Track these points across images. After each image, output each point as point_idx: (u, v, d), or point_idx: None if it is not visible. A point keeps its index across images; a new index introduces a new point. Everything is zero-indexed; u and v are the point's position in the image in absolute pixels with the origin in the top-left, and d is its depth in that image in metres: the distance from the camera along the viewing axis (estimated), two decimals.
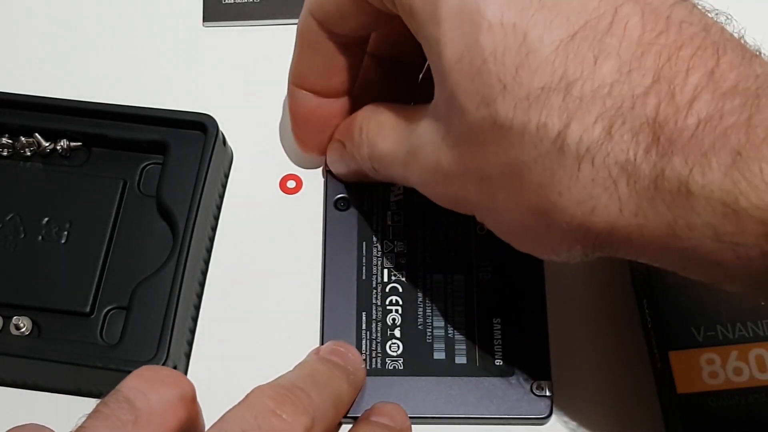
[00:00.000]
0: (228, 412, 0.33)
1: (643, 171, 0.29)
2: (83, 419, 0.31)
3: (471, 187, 0.34)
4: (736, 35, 0.31)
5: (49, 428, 0.32)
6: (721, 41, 0.30)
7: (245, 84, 0.47)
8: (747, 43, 0.31)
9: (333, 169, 0.43)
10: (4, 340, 0.39)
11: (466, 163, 0.34)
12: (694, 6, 0.31)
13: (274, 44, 0.48)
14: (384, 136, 0.38)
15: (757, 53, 0.30)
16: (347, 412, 0.38)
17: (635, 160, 0.29)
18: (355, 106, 0.41)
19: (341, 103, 0.41)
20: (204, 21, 0.48)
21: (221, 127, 0.43)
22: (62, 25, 0.48)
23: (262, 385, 0.35)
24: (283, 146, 0.45)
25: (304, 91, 0.41)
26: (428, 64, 0.35)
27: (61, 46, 0.48)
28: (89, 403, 0.39)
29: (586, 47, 0.30)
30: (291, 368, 0.38)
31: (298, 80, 0.41)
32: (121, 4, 0.49)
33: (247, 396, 0.34)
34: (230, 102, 0.46)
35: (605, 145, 0.30)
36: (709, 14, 0.31)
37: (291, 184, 0.44)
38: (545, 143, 0.31)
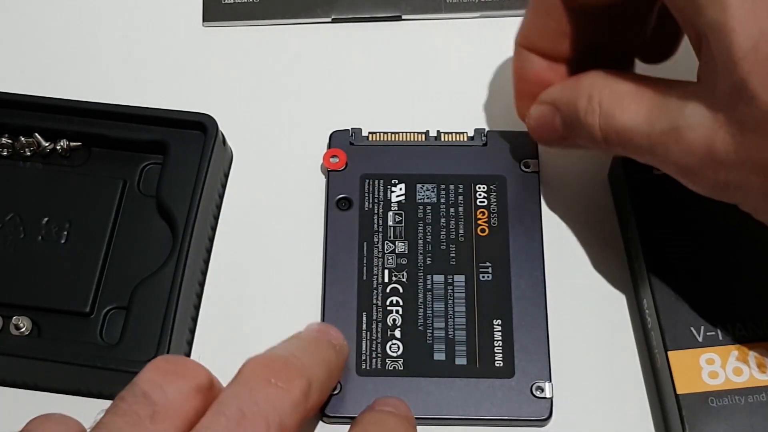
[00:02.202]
0: (223, 392, 0.33)
1: None
2: (101, 415, 0.31)
3: (751, 177, 0.33)
4: None
5: (75, 420, 0.32)
6: None
7: (245, 84, 0.47)
8: None
9: (534, 133, 0.41)
10: (4, 340, 0.39)
11: (751, 154, 0.32)
12: None
13: (274, 44, 0.48)
14: (624, 107, 0.36)
15: None
16: (338, 381, 0.38)
17: None
18: (573, 70, 0.40)
19: (564, 68, 0.40)
20: (204, 21, 0.48)
21: (221, 127, 0.43)
22: (62, 25, 0.48)
23: (252, 357, 0.34)
24: (283, 146, 0.45)
25: (531, 53, 0.40)
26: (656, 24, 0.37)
27: (61, 46, 0.48)
28: (89, 403, 0.39)
29: None
30: None
31: (526, 42, 0.40)
32: (121, 5, 0.49)
33: (239, 371, 0.33)
34: (230, 102, 0.46)
35: None
36: None
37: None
38: None
